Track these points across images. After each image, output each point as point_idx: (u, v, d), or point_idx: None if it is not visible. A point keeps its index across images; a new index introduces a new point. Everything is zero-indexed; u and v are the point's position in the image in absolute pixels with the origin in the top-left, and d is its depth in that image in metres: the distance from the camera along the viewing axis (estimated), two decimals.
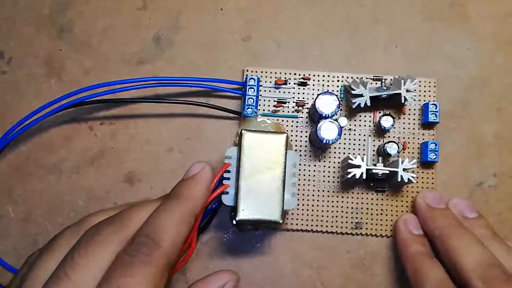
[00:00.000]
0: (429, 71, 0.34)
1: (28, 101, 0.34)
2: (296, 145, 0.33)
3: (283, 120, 0.33)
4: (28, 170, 0.33)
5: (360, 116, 0.33)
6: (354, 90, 0.31)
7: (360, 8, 0.35)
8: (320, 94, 0.31)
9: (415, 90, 0.31)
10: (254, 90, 0.32)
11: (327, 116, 0.31)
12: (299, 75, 0.34)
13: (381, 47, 0.35)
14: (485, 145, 0.34)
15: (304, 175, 0.33)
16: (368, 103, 0.31)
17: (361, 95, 0.31)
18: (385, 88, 0.32)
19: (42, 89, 0.34)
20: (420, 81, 0.33)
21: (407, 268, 0.29)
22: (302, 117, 0.33)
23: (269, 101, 0.33)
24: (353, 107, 0.31)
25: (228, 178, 0.27)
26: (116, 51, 0.35)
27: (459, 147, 0.34)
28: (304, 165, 0.33)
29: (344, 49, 0.35)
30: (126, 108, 0.34)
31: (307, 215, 0.32)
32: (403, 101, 0.31)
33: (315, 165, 0.33)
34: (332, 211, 0.32)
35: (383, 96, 0.32)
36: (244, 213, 0.26)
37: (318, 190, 0.33)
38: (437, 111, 0.32)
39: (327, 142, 0.30)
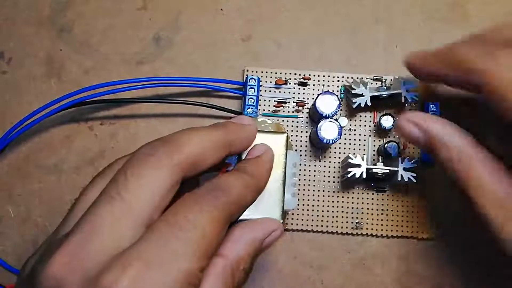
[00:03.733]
0: None
1: (28, 101, 0.34)
2: (296, 145, 0.33)
3: (283, 120, 0.33)
4: (28, 170, 0.33)
5: (360, 116, 0.33)
6: (355, 89, 0.31)
7: (360, 8, 0.35)
8: (320, 94, 0.31)
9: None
10: (255, 90, 0.32)
11: (327, 116, 0.31)
12: (299, 75, 0.34)
13: (381, 47, 0.35)
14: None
15: (304, 175, 0.33)
16: (369, 103, 0.31)
17: (362, 95, 0.31)
18: (385, 88, 0.32)
19: (42, 89, 0.34)
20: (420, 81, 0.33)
21: None
22: (302, 117, 0.33)
23: (269, 101, 0.33)
24: (354, 106, 0.31)
25: None
26: (116, 51, 0.35)
27: None
28: (304, 165, 0.33)
29: (344, 49, 0.35)
30: (126, 108, 0.34)
31: (307, 215, 0.32)
32: (403, 101, 0.31)
33: (315, 165, 0.33)
34: (332, 211, 0.32)
35: (383, 96, 0.32)
36: (244, 213, 0.26)
37: (318, 190, 0.33)
38: (437, 111, 0.32)
39: (328, 142, 0.30)
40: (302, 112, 0.33)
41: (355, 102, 0.31)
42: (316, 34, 0.35)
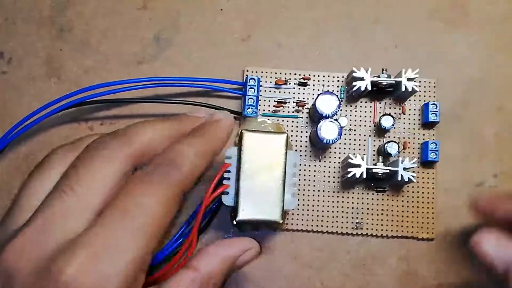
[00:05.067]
0: (429, 71, 0.34)
1: (28, 101, 0.34)
2: (296, 145, 0.33)
3: (283, 120, 0.33)
4: (28, 170, 0.33)
5: (361, 116, 0.33)
6: (356, 72, 0.31)
7: (360, 8, 0.35)
8: (320, 94, 0.31)
9: (415, 80, 0.31)
10: (254, 90, 0.32)
11: (327, 116, 0.31)
12: (299, 75, 0.34)
13: (381, 47, 0.35)
14: (485, 145, 0.34)
15: (304, 175, 0.33)
16: (369, 87, 0.31)
17: (362, 79, 0.31)
18: (386, 75, 0.32)
19: (42, 89, 0.34)
20: (420, 81, 0.33)
21: None
22: (302, 117, 0.33)
23: (269, 101, 0.33)
24: (354, 89, 0.31)
25: (228, 178, 0.27)
26: (116, 51, 0.35)
27: (459, 147, 0.34)
28: (304, 165, 0.33)
29: (344, 49, 0.35)
30: (126, 108, 0.34)
31: (307, 215, 0.32)
32: (403, 89, 0.31)
33: (315, 165, 0.33)
34: (332, 211, 0.32)
35: (384, 84, 0.32)
36: (244, 213, 0.26)
37: (318, 190, 0.33)
38: (437, 111, 0.32)
39: (328, 142, 0.30)
40: (302, 112, 0.33)
41: (355, 85, 0.31)
42: (316, 34, 0.35)
